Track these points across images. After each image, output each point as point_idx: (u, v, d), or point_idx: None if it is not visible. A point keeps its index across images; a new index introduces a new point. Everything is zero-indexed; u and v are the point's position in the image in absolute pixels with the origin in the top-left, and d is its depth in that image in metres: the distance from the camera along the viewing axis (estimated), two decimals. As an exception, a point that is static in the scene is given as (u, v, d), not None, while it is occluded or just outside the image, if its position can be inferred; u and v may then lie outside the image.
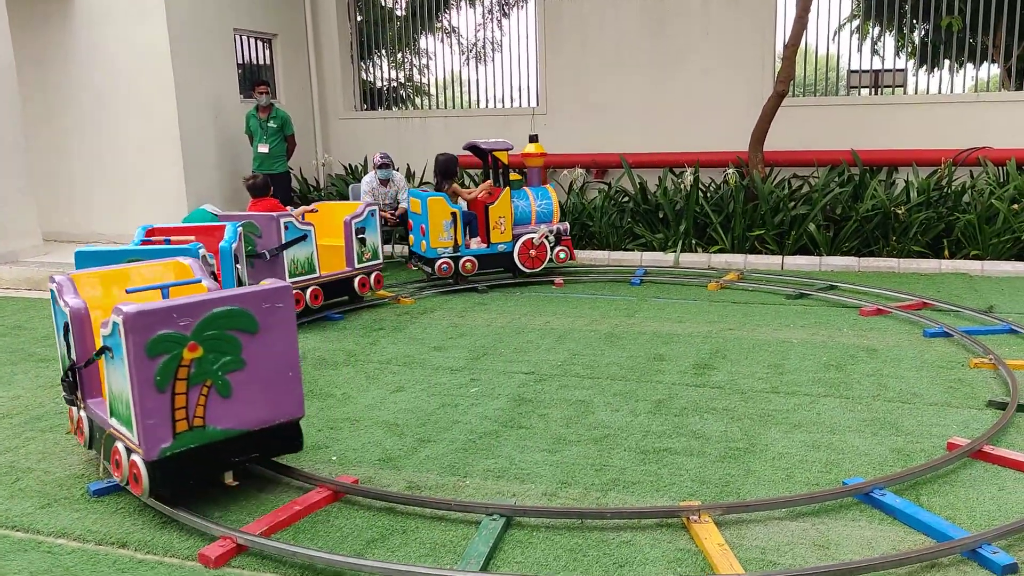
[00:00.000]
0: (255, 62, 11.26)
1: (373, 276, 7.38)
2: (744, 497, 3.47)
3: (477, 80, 12.21)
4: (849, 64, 11.43)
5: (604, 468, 3.80)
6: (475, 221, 8.19)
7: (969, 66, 10.68)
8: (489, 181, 8.32)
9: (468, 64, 12.37)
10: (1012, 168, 8.85)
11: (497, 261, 8.21)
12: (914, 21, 10.98)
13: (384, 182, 9.17)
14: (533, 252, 8.13)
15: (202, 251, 4.54)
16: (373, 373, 5.36)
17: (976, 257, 8.29)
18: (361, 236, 7.26)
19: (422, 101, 13.44)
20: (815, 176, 9.65)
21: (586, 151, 10.70)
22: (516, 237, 8.14)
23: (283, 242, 6.47)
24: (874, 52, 11.54)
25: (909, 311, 6.47)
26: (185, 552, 3.15)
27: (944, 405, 4.50)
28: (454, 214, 7.96)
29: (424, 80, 13.47)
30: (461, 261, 8.01)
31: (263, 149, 9.75)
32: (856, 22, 11.85)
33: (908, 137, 9.66)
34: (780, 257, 8.71)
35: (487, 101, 12.09)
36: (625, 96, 10.75)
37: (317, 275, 6.85)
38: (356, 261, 7.20)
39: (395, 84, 13.14)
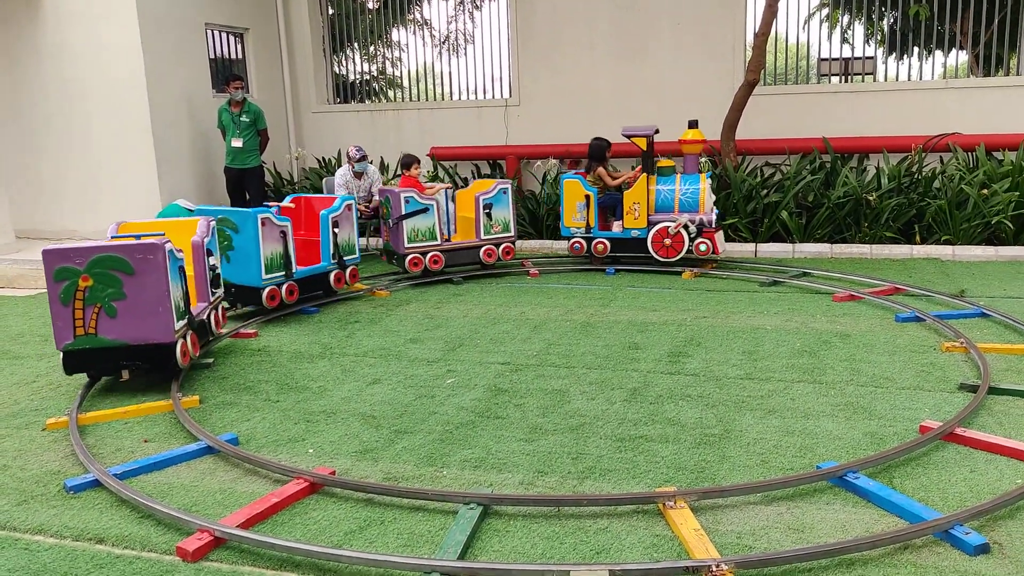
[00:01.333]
0: (227, 56, 11.15)
1: (502, 248, 8.16)
2: (719, 482, 3.50)
3: (450, 72, 12.18)
4: (819, 52, 11.52)
5: (580, 456, 3.82)
6: (620, 205, 8.19)
7: (938, 53, 10.82)
8: (640, 167, 8.19)
9: (441, 56, 12.33)
10: (981, 153, 8.97)
11: (630, 246, 8.16)
12: (883, 9, 11.08)
13: (358, 175, 9.12)
14: (668, 241, 7.88)
15: (168, 245, 4.88)
16: (349, 366, 5.34)
17: (947, 242, 8.41)
18: (488, 211, 8.00)
19: (395, 94, 13.37)
20: (787, 164, 9.73)
21: (560, 141, 10.71)
22: (653, 224, 7.96)
23: (402, 213, 7.65)
24: (844, 40, 11.65)
25: (881, 296, 6.56)
26: (163, 546, 3.12)
27: (916, 389, 4.56)
28: (588, 196, 8.14)
29: (397, 73, 13.40)
30: (594, 243, 8.18)
31: (236, 143, 9.66)
32: (825, 11, 11.94)
33: (878, 124, 9.77)
34: (753, 244, 8.78)
35: (460, 93, 12.06)
36: (597, 86, 10.77)
37: (438, 242, 7.85)
38: (483, 233, 8.04)
39: (368, 77, 13.06)
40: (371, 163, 9.47)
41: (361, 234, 9.83)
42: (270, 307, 6.57)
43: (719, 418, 4.23)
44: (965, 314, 5.98)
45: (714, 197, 8.09)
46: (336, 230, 7.16)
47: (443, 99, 12.20)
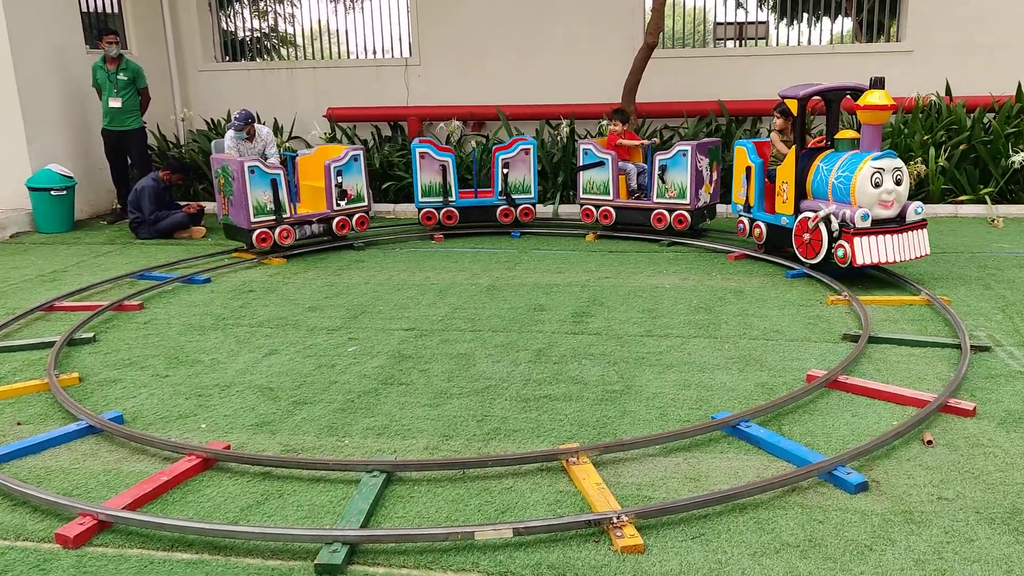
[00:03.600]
0: (101, 10, 10.43)
1: (355, 218, 7.77)
2: (621, 437, 3.55)
3: (347, 30, 11.79)
4: (715, 17, 11.71)
5: (486, 418, 3.80)
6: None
7: (826, 20, 11.16)
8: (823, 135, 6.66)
9: (337, 13, 11.91)
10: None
11: (782, 237, 6.52)
12: (774, -26, 11.34)
13: (249, 138, 8.72)
14: (807, 236, 6.14)
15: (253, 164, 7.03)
16: (244, 337, 5.14)
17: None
18: (662, 175, 7.54)
19: (288, 52, 12.87)
20: (685, 127, 9.90)
21: (462, 103, 10.56)
22: (800, 212, 6.29)
23: (581, 164, 7.83)
24: (738, 5, 11.88)
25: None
26: (40, 534, 2.93)
27: (804, 340, 4.75)
28: (748, 168, 6.90)
29: (290, 30, 12.88)
30: (753, 224, 6.91)
31: (115, 103, 9.07)
32: (720, -26, 12.12)
33: (771, 87, 9.96)
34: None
35: (358, 52, 11.71)
36: (500, 48, 10.64)
37: (611, 198, 7.76)
38: (656, 196, 7.62)
39: (259, 35, 12.51)
40: (263, 123, 9.12)
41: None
42: (426, 226, 8.06)
43: (620, 375, 4.29)
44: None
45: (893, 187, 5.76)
46: (506, 171, 7.84)
47: (340, 58, 11.82)
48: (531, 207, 8.11)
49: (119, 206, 9.52)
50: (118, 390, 4.31)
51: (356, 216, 7.76)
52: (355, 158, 7.69)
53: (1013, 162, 8.43)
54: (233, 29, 12.05)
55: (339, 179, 7.56)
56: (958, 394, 3.85)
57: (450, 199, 7.99)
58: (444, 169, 7.89)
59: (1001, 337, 4.68)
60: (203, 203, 9.22)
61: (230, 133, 8.75)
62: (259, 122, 10.59)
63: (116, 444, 3.65)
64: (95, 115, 9.45)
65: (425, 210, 8.04)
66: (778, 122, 6.89)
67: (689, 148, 7.30)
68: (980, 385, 3.99)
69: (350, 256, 7.38)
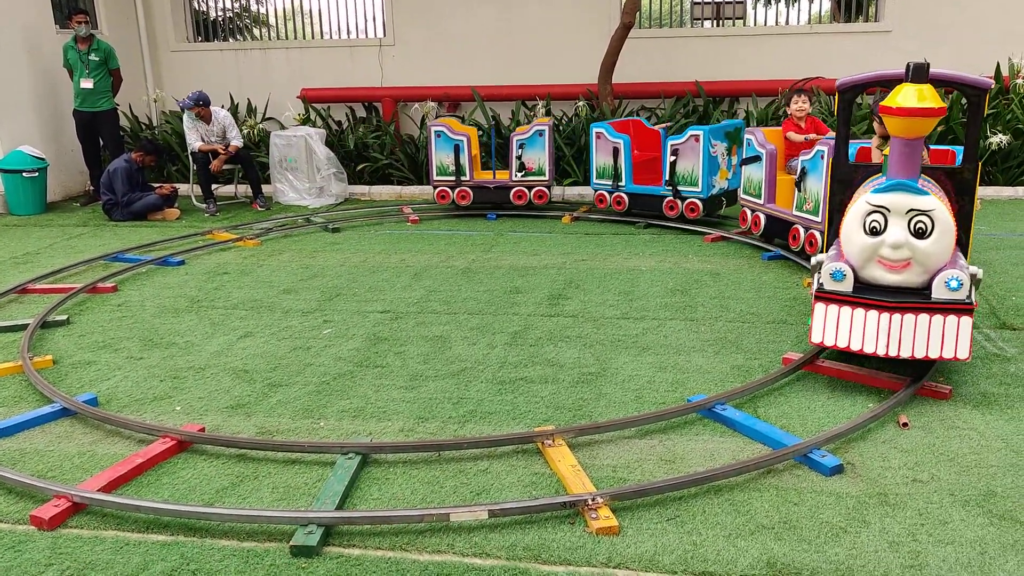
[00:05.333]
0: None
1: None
2: (596, 419, 3.57)
3: (320, 10, 11.64)
4: (692, -3, 11.70)
5: (461, 401, 3.81)
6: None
7: (803, 0, 11.18)
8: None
9: (311, -7, 11.74)
10: (841, 97, 9.39)
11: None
12: (751, -44, 11.33)
13: (204, 119, 8.63)
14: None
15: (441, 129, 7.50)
16: (218, 319, 5.10)
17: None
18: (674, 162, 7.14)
19: (261, 32, 12.69)
20: (662, 108, 9.90)
21: (437, 84, 10.48)
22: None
23: (743, 158, 6.80)
24: (715, -15, 11.85)
25: (750, 236, 6.81)
26: (15, 516, 2.92)
27: (780, 323, 4.79)
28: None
29: (263, 10, 12.70)
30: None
31: (86, 84, 8.91)
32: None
33: (748, 68, 10.06)
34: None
35: (332, 32, 11.57)
36: (475, 27, 10.56)
37: (761, 202, 6.56)
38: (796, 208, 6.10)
39: (232, 14, 12.32)
40: (222, 107, 9.05)
41: (228, 181, 9.41)
42: (599, 208, 7.82)
43: (596, 357, 4.30)
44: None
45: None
46: (674, 158, 7.14)
47: (313, 38, 11.68)
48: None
49: (92, 188, 9.38)
50: (92, 372, 4.27)
51: (535, 189, 7.91)
52: (540, 133, 7.77)
53: (991, 143, 8.50)
54: (205, 9, 11.86)
55: (519, 152, 7.78)
56: (934, 377, 3.88)
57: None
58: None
59: (978, 320, 4.69)
60: (176, 185, 9.12)
61: (185, 116, 8.66)
62: (232, 103, 10.51)
63: (91, 426, 3.63)
64: (67, 96, 9.28)
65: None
66: (881, 128, 5.33)
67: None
68: (956, 367, 4.03)
69: (325, 238, 7.34)
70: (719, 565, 2.55)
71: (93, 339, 4.79)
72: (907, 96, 3.65)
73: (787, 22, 10.83)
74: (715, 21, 11.57)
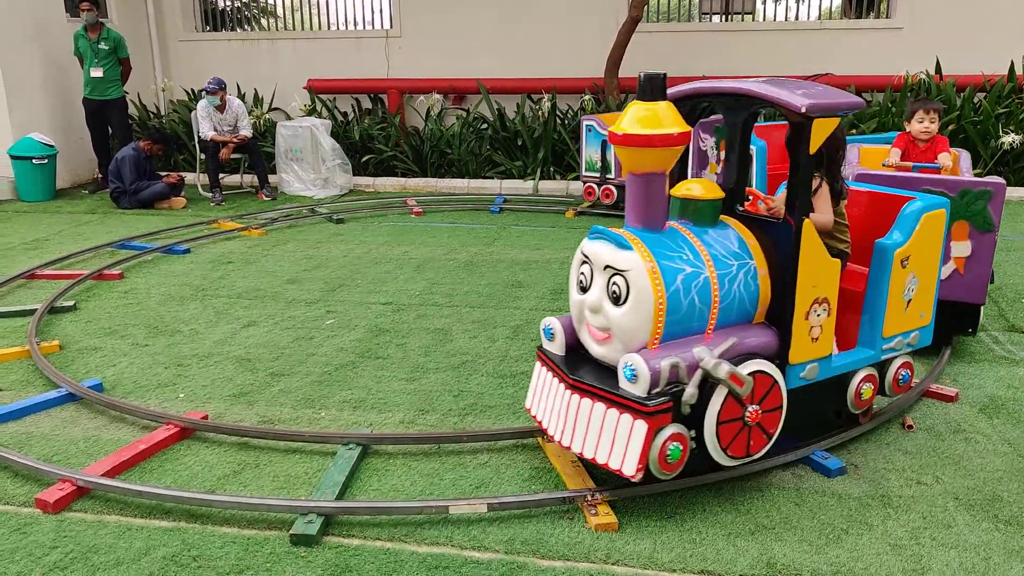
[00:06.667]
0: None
1: None
2: (596, 414, 3.57)
3: (327, 1, 11.63)
4: (701, -9, 11.66)
5: (462, 394, 3.83)
6: None
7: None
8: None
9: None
10: (851, 94, 9.35)
11: None
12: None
13: (220, 108, 8.69)
14: None
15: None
16: (223, 308, 5.13)
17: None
18: None
19: (269, 22, 12.70)
20: (668, 103, 9.85)
21: (443, 76, 10.47)
22: None
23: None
24: (725, -20, 11.81)
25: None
26: (20, 498, 2.96)
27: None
28: None
29: (270, 0, 12.70)
30: None
31: (96, 73, 8.94)
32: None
33: (757, 63, 9.99)
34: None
35: (338, 23, 11.56)
36: (482, 20, 10.54)
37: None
38: None
39: (239, 4, 12.32)
40: (233, 96, 9.06)
41: (234, 170, 9.44)
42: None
43: (597, 352, 4.31)
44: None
45: None
46: None
47: (320, 29, 11.68)
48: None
49: (100, 175, 9.42)
50: (98, 358, 4.31)
51: None
52: None
53: (1003, 143, 8.42)
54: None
55: None
56: (940, 379, 3.87)
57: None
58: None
59: (986, 322, 4.67)
60: (183, 174, 9.14)
61: (203, 102, 8.70)
62: (239, 93, 10.52)
63: (96, 412, 3.66)
64: (76, 84, 9.31)
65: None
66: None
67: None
68: (963, 370, 4.01)
69: (329, 229, 7.36)
70: (718, 564, 2.56)
71: (99, 325, 4.82)
72: (632, 119, 2.81)
73: (797, 17, 10.79)
74: (724, 16, 11.53)
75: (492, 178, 9.22)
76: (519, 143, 9.41)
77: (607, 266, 2.81)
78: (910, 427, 3.43)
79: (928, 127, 4.76)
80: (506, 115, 9.67)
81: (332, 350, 4.40)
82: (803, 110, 2.73)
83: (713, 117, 7.18)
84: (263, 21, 12.78)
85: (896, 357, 3.34)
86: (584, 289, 2.92)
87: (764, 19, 11.16)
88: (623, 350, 2.78)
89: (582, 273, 2.95)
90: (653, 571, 2.53)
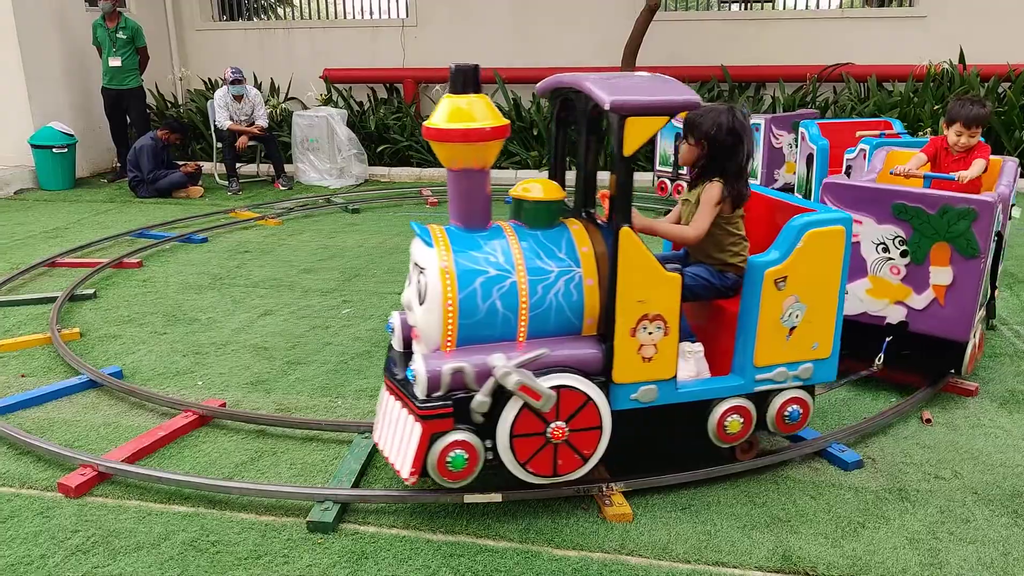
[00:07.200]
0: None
1: None
2: (611, 404, 3.56)
3: (345, -10, 11.63)
4: (720, -20, 11.56)
5: (478, 382, 3.83)
6: None
7: (834, -16, 11.02)
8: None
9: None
10: (873, 84, 9.26)
11: None
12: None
13: (238, 98, 8.74)
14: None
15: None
16: (240, 297, 5.17)
17: (832, 172, 8.68)
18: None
19: (285, 12, 12.71)
20: (685, 93, 9.79)
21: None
22: None
23: None
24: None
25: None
26: (44, 483, 3.00)
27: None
28: None
29: (288, -11, 12.72)
30: None
31: (115, 62, 9.00)
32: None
33: (776, 53, 9.91)
34: (651, 173, 8.88)
35: (354, 12, 11.57)
36: (498, 9, 10.51)
37: None
38: None
39: (257, -8, 12.34)
40: (251, 86, 9.10)
41: (250, 160, 9.48)
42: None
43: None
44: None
45: None
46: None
47: (336, 18, 11.68)
48: None
49: (119, 164, 9.49)
50: (117, 346, 4.35)
51: None
52: (755, 128, 7.23)
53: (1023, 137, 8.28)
54: (231, -14, 11.89)
55: None
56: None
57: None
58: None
59: (1008, 315, 4.61)
60: (200, 163, 9.20)
61: (222, 91, 8.76)
62: (255, 83, 10.55)
63: (116, 398, 3.71)
64: (95, 73, 9.38)
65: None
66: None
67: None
68: (983, 364, 3.95)
69: (344, 219, 7.38)
70: (733, 556, 2.56)
71: (119, 313, 4.87)
72: (443, 113, 2.71)
73: (817, 6, 10.67)
74: (743, 4, 11.43)
75: (507, 168, 9.21)
76: (535, 133, 9.39)
77: (415, 263, 2.76)
78: (928, 421, 3.40)
79: (967, 142, 4.07)
80: (522, 105, 9.65)
81: (348, 339, 4.42)
82: (607, 107, 2.51)
83: (792, 113, 6.92)
84: (280, 10, 12.80)
85: (781, 391, 2.93)
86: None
87: (784, 8, 11.05)
88: (425, 350, 2.69)
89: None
90: (667, 562, 2.53)
